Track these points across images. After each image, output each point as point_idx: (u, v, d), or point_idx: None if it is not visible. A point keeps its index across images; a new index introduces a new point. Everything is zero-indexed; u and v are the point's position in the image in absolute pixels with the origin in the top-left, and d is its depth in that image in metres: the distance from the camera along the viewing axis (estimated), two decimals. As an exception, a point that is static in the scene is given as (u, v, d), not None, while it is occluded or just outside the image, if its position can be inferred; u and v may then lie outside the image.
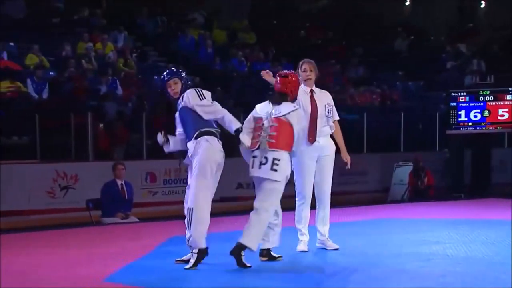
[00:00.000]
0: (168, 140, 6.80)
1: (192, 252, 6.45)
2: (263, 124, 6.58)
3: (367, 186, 16.17)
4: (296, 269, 6.54)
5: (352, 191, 15.26)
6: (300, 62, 7.37)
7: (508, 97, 14.75)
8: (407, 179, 14.97)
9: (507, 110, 14.70)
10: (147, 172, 13.58)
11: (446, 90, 16.13)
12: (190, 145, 6.54)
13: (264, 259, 6.73)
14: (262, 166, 6.49)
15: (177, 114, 6.71)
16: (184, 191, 6.74)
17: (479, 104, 14.80)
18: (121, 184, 10.89)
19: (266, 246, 6.72)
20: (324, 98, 7.33)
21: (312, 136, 7.11)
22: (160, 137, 6.81)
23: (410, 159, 15.39)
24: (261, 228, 6.50)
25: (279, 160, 6.47)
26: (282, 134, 6.54)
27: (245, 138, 6.48)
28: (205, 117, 6.50)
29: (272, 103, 6.66)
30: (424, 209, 11.79)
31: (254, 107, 6.79)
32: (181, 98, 6.63)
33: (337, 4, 24.42)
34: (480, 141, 15.77)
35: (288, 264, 6.68)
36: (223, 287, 5.94)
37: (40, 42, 15.66)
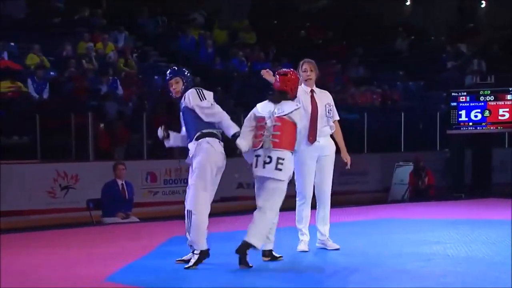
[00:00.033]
0: (168, 135, 6.80)
1: (193, 253, 6.45)
2: (265, 123, 6.58)
3: (368, 186, 16.17)
4: (296, 269, 6.54)
5: (352, 191, 15.26)
6: (301, 62, 7.37)
7: (509, 97, 14.74)
8: (408, 179, 14.97)
9: (507, 110, 14.70)
10: (148, 172, 13.58)
11: (447, 90, 16.14)
12: (191, 146, 6.52)
13: (267, 259, 6.75)
14: (266, 165, 6.49)
15: (181, 113, 6.70)
16: (184, 191, 6.73)
17: (480, 104, 14.80)
18: (122, 184, 10.89)
19: (268, 247, 6.74)
20: (325, 98, 7.33)
21: (312, 136, 7.11)
22: (160, 132, 6.81)
23: (410, 159, 15.38)
24: (265, 227, 6.51)
25: (283, 159, 6.49)
26: (285, 133, 6.54)
27: (242, 144, 6.46)
28: (205, 119, 6.47)
29: (273, 102, 6.67)
30: (425, 209, 11.78)
31: (254, 107, 6.78)
32: (183, 97, 6.61)
33: (337, 4, 24.41)
34: (481, 141, 15.77)
35: (288, 264, 6.68)
36: (223, 287, 5.93)
37: (41, 42, 15.66)
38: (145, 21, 19.11)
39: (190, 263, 6.40)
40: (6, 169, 12.03)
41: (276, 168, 6.46)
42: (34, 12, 17.13)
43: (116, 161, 11.67)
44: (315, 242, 7.37)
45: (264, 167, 6.50)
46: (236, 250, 6.40)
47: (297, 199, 7.25)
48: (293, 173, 6.82)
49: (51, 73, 15.28)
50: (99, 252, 7.54)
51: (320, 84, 7.50)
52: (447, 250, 7.27)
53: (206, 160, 6.42)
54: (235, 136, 6.43)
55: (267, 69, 7.33)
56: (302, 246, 7.25)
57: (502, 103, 14.75)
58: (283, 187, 6.55)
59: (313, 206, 7.31)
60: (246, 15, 22.17)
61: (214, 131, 6.52)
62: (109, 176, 11.04)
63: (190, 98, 6.51)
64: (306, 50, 17.69)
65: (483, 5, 25.85)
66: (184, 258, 6.61)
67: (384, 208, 12.44)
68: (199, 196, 6.41)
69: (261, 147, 6.54)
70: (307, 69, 7.28)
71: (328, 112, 7.27)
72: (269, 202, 6.51)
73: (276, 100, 6.67)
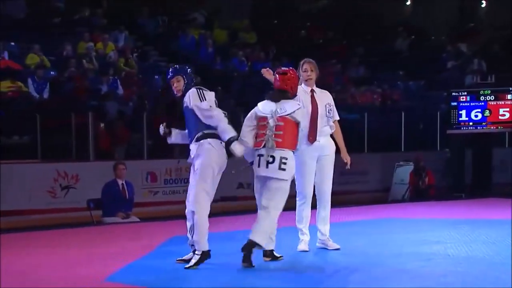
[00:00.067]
0: (170, 132, 6.80)
1: (194, 253, 6.45)
2: (268, 123, 6.58)
3: (368, 186, 16.16)
4: (296, 269, 6.54)
5: (353, 190, 15.25)
6: (301, 62, 7.37)
7: (509, 96, 14.74)
8: (408, 178, 14.98)
9: (508, 109, 14.69)
10: (148, 171, 13.57)
11: (447, 89, 16.13)
12: (193, 146, 6.51)
13: (268, 259, 6.75)
14: (270, 165, 6.49)
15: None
16: (185, 191, 6.73)
17: (480, 103, 14.79)
18: (122, 183, 10.89)
19: (270, 247, 6.74)
20: (325, 98, 7.33)
21: (312, 136, 7.11)
22: (162, 129, 6.81)
23: (411, 158, 15.39)
24: (270, 226, 6.52)
25: (286, 158, 6.50)
26: (287, 133, 6.56)
27: (237, 149, 6.39)
28: (203, 120, 6.45)
29: (273, 101, 6.66)
30: (425, 209, 11.78)
31: (254, 107, 6.78)
32: (185, 97, 6.60)
33: (338, 4, 24.39)
34: (481, 141, 15.76)
35: (288, 264, 6.68)
36: (223, 287, 5.93)
37: (41, 41, 15.66)
38: (145, 21, 19.10)
39: (191, 263, 6.40)
40: (6, 169, 12.03)
41: (280, 168, 6.47)
42: (34, 12, 17.12)
43: (116, 161, 11.68)
44: (316, 242, 7.37)
45: (267, 167, 6.50)
46: (242, 248, 6.41)
47: (297, 199, 7.25)
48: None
49: (51, 73, 15.28)
50: (99, 252, 7.54)
51: (321, 84, 7.50)
52: (447, 250, 7.27)
53: (208, 162, 6.41)
54: (230, 141, 6.37)
55: (267, 68, 7.34)
56: (303, 246, 7.25)
57: (503, 102, 14.74)
58: (287, 186, 6.57)
59: (313, 206, 7.31)
60: (247, 15, 22.16)
61: (215, 131, 6.50)
62: (110, 176, 11.04)
63: (191, 98, 6.49)
64: (306, 50, 17.67)
65: (483, 5, 25.84)
66: (185, 257, 6.62)
67: (385, 208, 12.44)
68: (201, 197, 6.41)
69: (263, 146, 6.54)
70: (308, 69, 7.28)
71: (328, 112, 7.27)
72: (274, 202, 6.52)
73: (276, 99, 6.67)
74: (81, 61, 15.78)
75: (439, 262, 6.69)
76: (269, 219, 6.50)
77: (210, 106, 6.45)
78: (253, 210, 6.95)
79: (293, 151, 6.59)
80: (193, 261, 6.40)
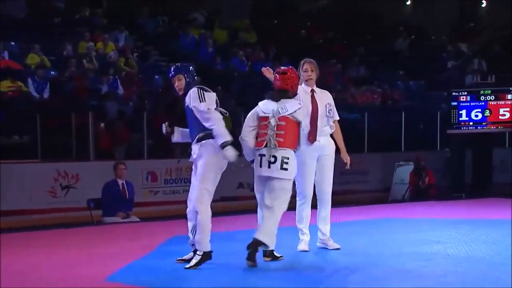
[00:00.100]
0: (172, 131, 6.78)
1: (195, 253, 6.45)
2: (269, 123, 6.58)
3: (368, 186, 16.17)
4: (297, 269, 6.54)
5: (353, 190, 15.25)
6: (301, 62, 7.37)
7: (509, 96, 14.73)
8: (408, 178, 14.97)
9: (508, 109, 14.68)
10: (148, 171, 13.57)
11: (447, 89, 16.12)
12: (194, 147, 6.49)
13: (268, 259, 6.75)
14: (272, 165, 6.50)
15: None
16: (185, 191, 6.72)
17: (480, 103, 14.78)
18: (122, 183, 10.89)
19: (271, 247, 6.74)
20: (325, 98, 7.33)
21: (312, 136, 7.11)
22: (164, 128, 6.80)
23: (411, 158, 15.38)
24: (275, 224, 6.53)
25: (288, 158, 6.51)
26: (289, 132, 6.56)
27: (231, 153, 6.33)
28: (201, 121, 6.42)
29: (274, 101, 6.66)
30: (425, 209, 11.78)
31: (255, 106, 6.78)
32: (186, 95, 6.56)
33: (338, 4, 24.40)
34: (481, 141, 15.76)
35: (289, 264, 6.68)
36: (223, 287, 5.93)
37: (41, 41, 15.66)
38: (146, 20, 19.11)
39: (191, 263, 6.40)
40: (6, 169, 12.03)
41: (282, 168, 6.49)
42: (34, 12, 17.13)
43: (116, 161, 11.67)
44: (316, 241, 7.37)
45: (269, 166, 6.51)
46: (247, 246, 6.42)
47: (297, 199, 7.25)
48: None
49: (51, 72, 15.29)
50: (99, 252, 7.53)
51: (321, 84, 7.50)
52: (447, 249, 7.27)
53: (210, 163, 6.40)
54: (223, 145, 6.31)
55: (268, 67, 7.35)
56: (303, 246, 7.25)
57: (503, 102, 14.74)
58: (289, 186, 6.59)
59: (314, 206, 7.31)
60: (247, 15, 22.16)
61: (216, 132, 6.49)
62: (110, 176, 11.04)
63: (191, 98, 6.46)
64: (307, 50, 17.67)
65: (483, 5, 25.84)
66: (185, 257, 6.61)
67: (385, 207, 12.44)
68: (204, 198, 6.41)
69: (265, 146, 6.54)
70: (308, 69, 7.28)
71: (329, 112, 7.27)
72: (278, 201, 6.53)
73: (276, 99, 6.67)
74: (81, 61, 15.78)
75: (439, 262, 6.69)
76: (274, 219, 6.51)
77: (209, 108, 6.39)
78: (253, 210, 6.95)
79: (294, 151, 6.60)
80: (193, 261, 6.39)
